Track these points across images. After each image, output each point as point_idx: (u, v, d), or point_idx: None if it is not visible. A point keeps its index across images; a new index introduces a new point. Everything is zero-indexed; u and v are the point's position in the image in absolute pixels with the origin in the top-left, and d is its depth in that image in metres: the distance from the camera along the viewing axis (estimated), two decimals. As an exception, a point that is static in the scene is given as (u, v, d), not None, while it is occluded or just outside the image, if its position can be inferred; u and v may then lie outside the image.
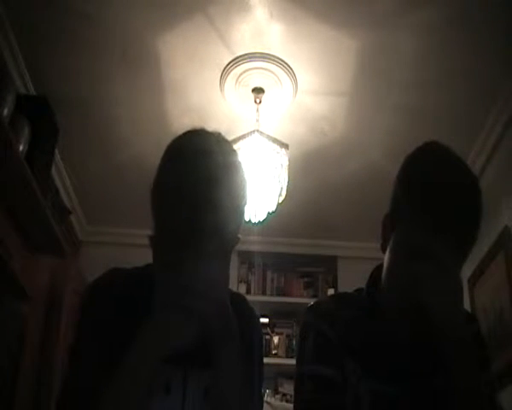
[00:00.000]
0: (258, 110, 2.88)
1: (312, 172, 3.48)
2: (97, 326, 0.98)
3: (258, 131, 2.79)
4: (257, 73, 2.80)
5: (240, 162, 1.03)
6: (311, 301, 1.21)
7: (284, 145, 2.83)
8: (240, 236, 1.02)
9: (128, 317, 0.95)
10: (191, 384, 1.00)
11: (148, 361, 0.89)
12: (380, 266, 1.13)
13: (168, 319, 0.90)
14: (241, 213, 1.02)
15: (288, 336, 4.04)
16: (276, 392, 3.84)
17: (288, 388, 3.84)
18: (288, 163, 2.81)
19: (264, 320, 3.99)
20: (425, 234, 0.99)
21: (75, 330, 1.01)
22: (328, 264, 4.29)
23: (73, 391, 0.95)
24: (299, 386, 1.11)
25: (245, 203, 1.02)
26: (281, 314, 4.10)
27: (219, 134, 1.04)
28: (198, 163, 0.95)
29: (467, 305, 2.89)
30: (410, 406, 1.04)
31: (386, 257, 1.09)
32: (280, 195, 2.79)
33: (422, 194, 1.03)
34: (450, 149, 1.09)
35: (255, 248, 3.94)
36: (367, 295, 1.15)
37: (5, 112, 2.34)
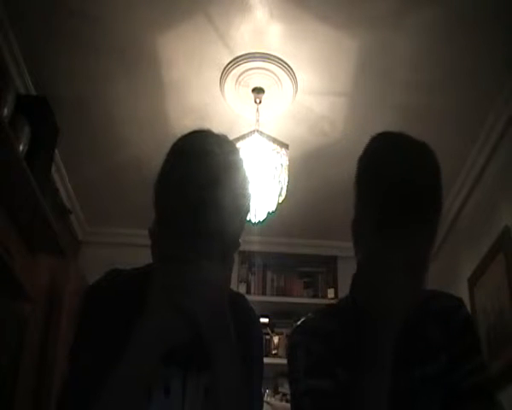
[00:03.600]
0: (258, 110, 2.88)
1: (312, 172, 3.48)
2: (97, 327, 0.98)
3: (258, 131, 2.79)
4: (257, 73, 2.80)
5: (242, 163, 1.03)
6: (305, 307, 1.20)
7: (284, 145, 2.83)
8: (240, 241, 1.02)
9: (128, 318, 0.95)
10: (191, 386, 1.00)
11: (142, 361, 0.90)
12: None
13: (160, 318, 0.90)
14: (244, 214, 1.02)
15: (287, 336, 4.04)
16: (276, 392, 3.84)
17: (288, 388, 3.83)
18: (288, 163, 2.81)
19: (264, 320, 3.99)
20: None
21: (75, 331, 1.01)
22: (328, 264, 4.29)
23: (73, 392, 0.95)
24: (297, 403, 1.11)
25: (247, 203, 1.02)
26: (281, 314, 4.09)
27: (224, 136, 1.04)
28: (200, 164, 0.95)
29: (467, 305, 2.87)
30: (408, 397, 1.04)
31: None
32: (280, 195, 2.79)
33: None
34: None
35: (255, 248, 3.94)
36: (346, 300, 1.16)
37: (5, 112, 2.35)
